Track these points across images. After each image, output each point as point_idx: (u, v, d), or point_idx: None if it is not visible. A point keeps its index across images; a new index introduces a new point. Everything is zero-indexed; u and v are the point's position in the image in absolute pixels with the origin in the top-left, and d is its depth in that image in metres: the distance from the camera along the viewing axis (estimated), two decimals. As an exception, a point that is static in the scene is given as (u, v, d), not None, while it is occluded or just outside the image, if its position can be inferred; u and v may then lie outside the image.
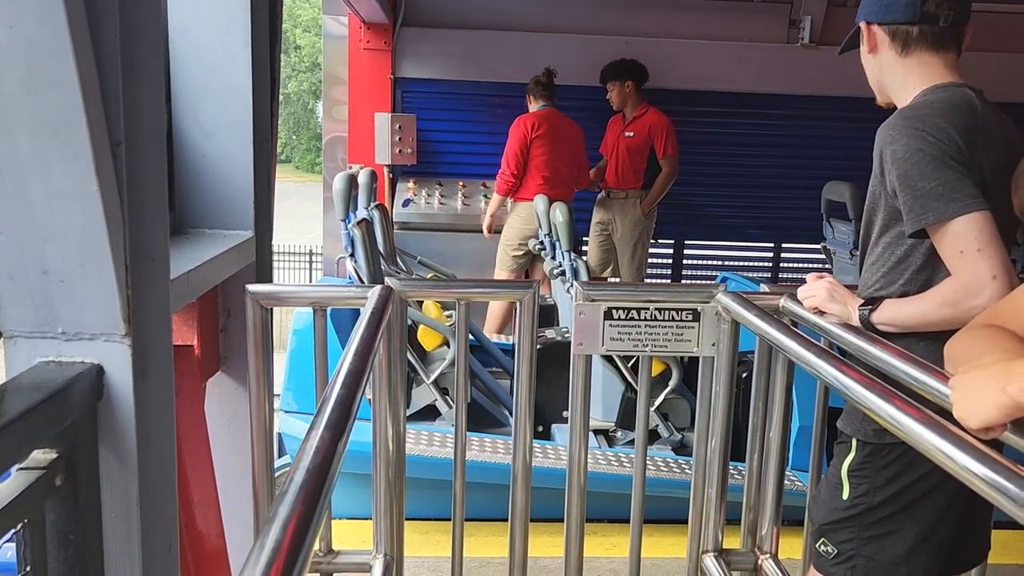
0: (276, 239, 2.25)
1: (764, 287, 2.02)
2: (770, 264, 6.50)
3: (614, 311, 1.92)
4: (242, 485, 1.88)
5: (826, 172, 5.25)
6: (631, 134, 5.40)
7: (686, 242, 6.42)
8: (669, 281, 6.36)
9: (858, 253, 4.65)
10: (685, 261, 6.45)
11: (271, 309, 1.84)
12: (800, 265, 6.48)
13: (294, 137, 34.85)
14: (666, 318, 1.93)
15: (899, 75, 1.70)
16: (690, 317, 1.93)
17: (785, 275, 6.49)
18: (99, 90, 1.05)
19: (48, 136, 1.02)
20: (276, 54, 2.05)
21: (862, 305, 1.65)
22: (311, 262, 14.12)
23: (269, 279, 2.03)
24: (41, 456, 1.06)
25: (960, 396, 1.03)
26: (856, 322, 1.65)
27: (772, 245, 6.46)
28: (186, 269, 1.50)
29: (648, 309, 1.92)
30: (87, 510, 1.13)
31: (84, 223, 1.07)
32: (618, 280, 5.55)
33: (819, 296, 1.72)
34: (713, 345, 1.93)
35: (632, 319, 1.92)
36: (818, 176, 5.22)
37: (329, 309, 2.05)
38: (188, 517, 1.67)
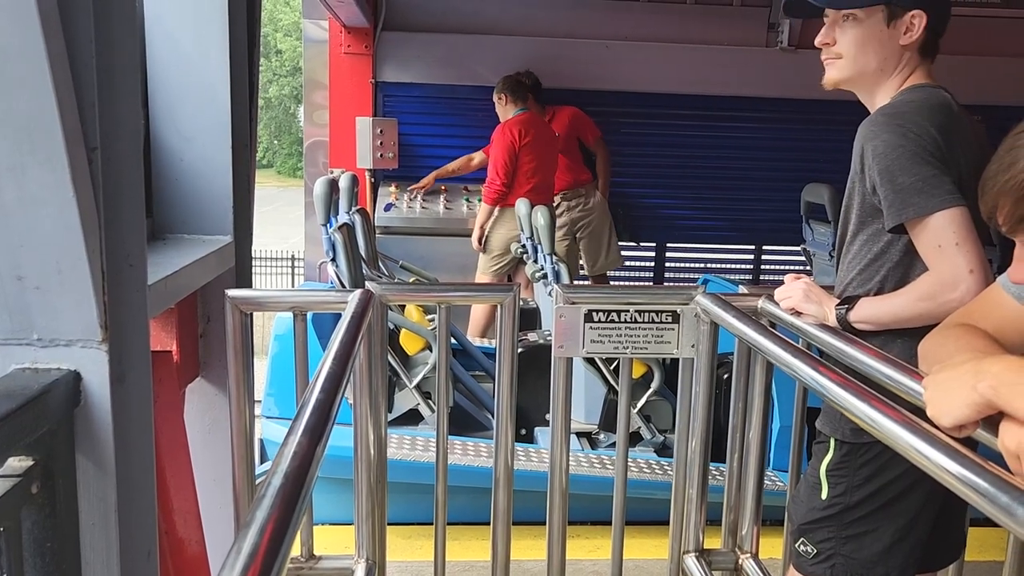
0: (258, 245, 2.24)
1: (743, 288, 2.03)
2: (751, 266, 6.54)
3: (594, 313, 1.93)
4: (223, 492, 1.87)
5: (805, 174, 5.30)
6: (556, 134, 5.43)
7: (668, 245, 6.45)
8: (651, 284, 6.39)
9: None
10: (667, 264, 6.48)
11: (251, 314, 1.83)
12: (781, 267, 6.53)
13: (276, 142, 34.69)
14: (646, 320, 1.94)
15: (899, 67, 1.69)
16: (670, 319, 1.94)
17: (766, 277, 6.54)
18: (74, 94, 1.04)
19: (22, 141, 1.01)
20: (254, 58, 2.04)
21: (839, 304, 1.67)
22: (293, 267, 14.04)
23: (249, 284, 2.02)
24: (17, 464, 1.05)
25: (933, 395, 1.04)
26: (833, 322, 1.67)
27: (753, 247, 6.51)
28: (164, 275, 1.50)
29: (628, 311, 1.93)
30: (64, 518, 1.12)
31: (59, 229, 1.06)
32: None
33: (795, 297, 1.73)
34: (693, 347, 1.94)
35: (612, 321, 1.92)
36: (798, 178, 5.26)
37: (311, 314, 2.05)
38: (168, 524, 1.66)
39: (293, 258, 13.92)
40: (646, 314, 1.93)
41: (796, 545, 1.75)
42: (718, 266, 6.53)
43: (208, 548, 1.83)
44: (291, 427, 0.99)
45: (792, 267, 6.41)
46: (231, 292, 1.77)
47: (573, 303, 1.93)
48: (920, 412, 1.08)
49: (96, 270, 1.11)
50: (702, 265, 6.51)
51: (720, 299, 1.83)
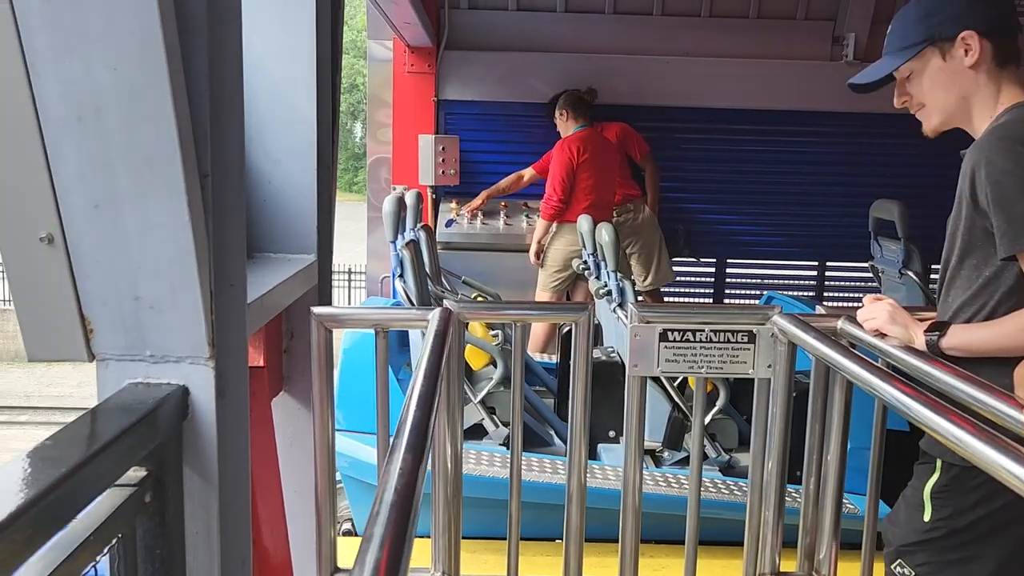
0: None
1: (821, 308, 2.02)
2: (814, 282, 6.44)
3: (669, 333, 1.93)
4: (305, 502, 1.92)
5: (871, 190, 5.20)
6: (615, 152, 5.42)
7: (728, 260, 6.40)
8: (712, 301, 6.33)
9: (908, 272, 4.52)
10: (728, 280, 6.42)
11: (332, 330, 1.88)
12: (845, 283, 6.41)
13: (333, 157, 35.30)
14: (721, 340, 1.94)
15: (992, 91, 1.66)
16: (745, 339, 1.94)
17: (829, 293, 6.42)
18: (191, 126, 1.10)
19: (144, 170, 1.08)
20: (336, 82, 2.11)
21: (929, 330, 1.63)
22: (350, 280, 14.29)
23: (329, 301, 2.08)
24: (133, 474, 1.11)
25: (1035, 423, 1.03)
26: (920, 346, 1.63)
27: (816, 263, 6.40)
28: (258, 294, 1.56)
29: (703, 331, 1.93)
30: (173, 526, 1.18)
31: (175, 252, 1.12)
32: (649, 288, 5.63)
33: (880, 318, 1.71)
34: (769, 367, 1.93)
35: (688, 341, 1.93)
36: (863, 194, 5.17)
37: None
38: (256, 533, 1.72)
39: (350, 272, 14.17)
40: (721, 334, 1.93)
41: (892, 567, 1.71)
42: (779, 282, 6.45)
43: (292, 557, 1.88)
44: (393, 445, 1.03)
45: (856, 284, 6.29)
46: (316, 309, 1.82)
47: (648, 322, 1.94)
48: (1018, 439, 1.07)
49: (206, 290, 1.17)
50: (763, 281, 6.43)
51: (799, 320, 1.82)
